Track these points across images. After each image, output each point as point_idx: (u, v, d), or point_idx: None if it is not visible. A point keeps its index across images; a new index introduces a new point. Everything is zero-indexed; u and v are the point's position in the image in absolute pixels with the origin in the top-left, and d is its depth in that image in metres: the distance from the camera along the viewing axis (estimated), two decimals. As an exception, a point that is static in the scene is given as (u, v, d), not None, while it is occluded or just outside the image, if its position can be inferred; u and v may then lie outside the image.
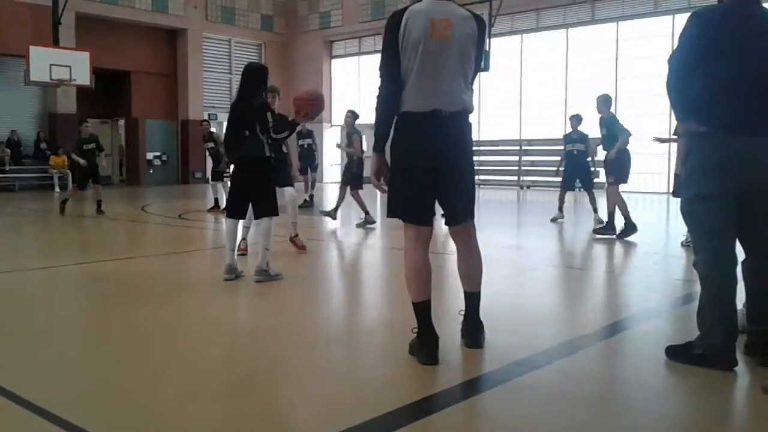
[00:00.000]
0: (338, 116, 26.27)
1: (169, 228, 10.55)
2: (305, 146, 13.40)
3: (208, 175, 14.42)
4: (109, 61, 21.44)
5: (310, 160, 13.51)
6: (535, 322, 4.30)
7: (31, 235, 10.11)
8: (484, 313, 3.65)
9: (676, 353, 3.40)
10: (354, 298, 5.50)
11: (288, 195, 7.39)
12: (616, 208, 8.61)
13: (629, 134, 8.71)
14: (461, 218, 3.49)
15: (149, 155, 23.93)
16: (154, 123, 23.99)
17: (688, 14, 3.36)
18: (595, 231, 8.93)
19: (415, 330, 3.41)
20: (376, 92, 3.37)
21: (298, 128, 8.90)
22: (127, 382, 3.15)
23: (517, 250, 8.06)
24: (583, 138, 10.53)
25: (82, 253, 8.00)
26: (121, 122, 24.32)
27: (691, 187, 3.34)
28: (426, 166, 3.30)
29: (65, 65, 17.80)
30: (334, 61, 26.79)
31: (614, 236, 8.55)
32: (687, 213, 3.40)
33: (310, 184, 13.72)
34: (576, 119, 10.68)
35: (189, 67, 24.35)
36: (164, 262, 7.00)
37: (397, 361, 3.42)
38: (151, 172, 23.86)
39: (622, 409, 2.85)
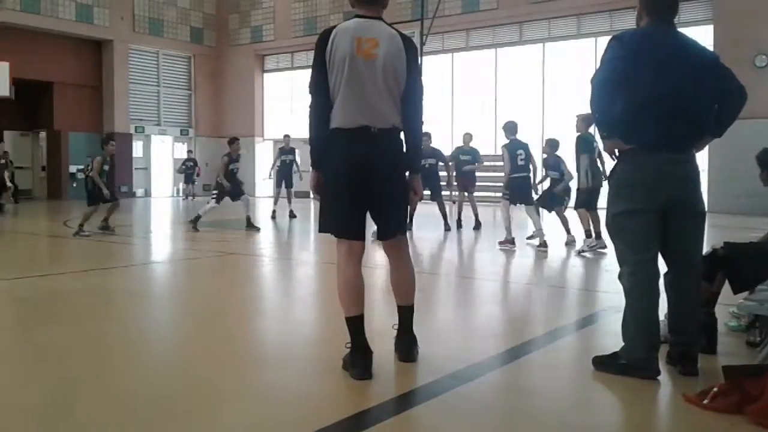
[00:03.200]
0: (270, 131, 26.08)
1: (92, 243, 10.20)
2: (287, 162, 14.54)
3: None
4: (30, 72, 20.65)
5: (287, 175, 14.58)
6: (467, 335, 4.36)
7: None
8: (417, 326, 3.66)
9: (602, 363, 3.49)
10: (287, 313, 5.43)
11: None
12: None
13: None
14: (392, 233, 3.51)
15: (72, 168, 23.06)
16: (78, 135, 23.14)
17: (610, 36, 3.50)
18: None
19: (349, 345, 3.39)
20: (308, 110, 3.40)
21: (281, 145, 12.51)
22: (50, 400, 3.01)
23: (448, 263, 8.15)
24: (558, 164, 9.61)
25: (4, 268, 7.62)
26: (43, 134, 23.39)
27: (617, 203, 3.46)
28: (355, 182, 3.32)
29: (-17, 75, 17.08)
30: (266, 75, 26.60)
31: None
32: (612, 228, 3.51)
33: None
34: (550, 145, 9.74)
35: (115, 79, 23.67)
36: (86, 278, 6.75)
37: (331, 377, 3.39)
38: (74, 185, 23.00)
39: (553, 420, 2.89)
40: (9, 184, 20.16)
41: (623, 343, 3.44)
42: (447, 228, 11.46)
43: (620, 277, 3.49)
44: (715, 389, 2.95)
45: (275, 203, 15.01)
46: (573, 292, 6.29)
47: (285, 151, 14.58)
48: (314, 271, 7.82)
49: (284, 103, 25.68)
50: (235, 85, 26.34)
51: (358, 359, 3.33)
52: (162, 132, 25.60)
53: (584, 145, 8.55)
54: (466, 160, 11.92)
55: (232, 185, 11.87)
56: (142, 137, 24.95)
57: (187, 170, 23.20)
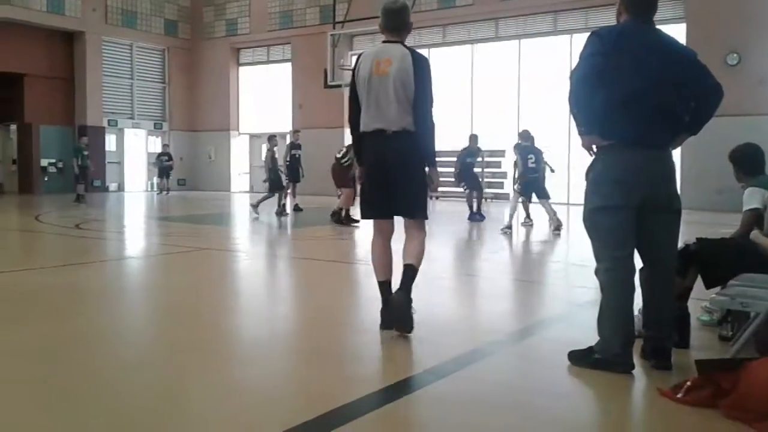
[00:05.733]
0: (245, 125, 25.91)
1: (66, 238, 10.07)
2: (296, 156, 14.88)
3: None
4: (0, 64, 20.25)
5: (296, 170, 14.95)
6: (444, 330, 4.37)
7: None
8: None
9: (577, 358, 3.53)
10: (262, 309, 5.39)
11: None
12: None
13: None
14: (407, 214, 4.21)
15: (44, 162, 22.70)
16: (50, 129, 22.79)
17: (586, 34, 3.53)
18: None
19: None
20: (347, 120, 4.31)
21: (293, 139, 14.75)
22: (24, 405, 2.97)
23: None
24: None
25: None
26: (14, 127, 22.96)
27: (593, 199, 3.49)
28: (377, 175, 4.12)
29: (-51, 66, 16.75)
30: (241, 68, 26.39)
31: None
32: (589, 223, 3.54)
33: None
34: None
35: (87, 72, 23.29)
36: (60, 274, 6.65)
37: (307, 372, 3.39)
38: (45, 180, 22.65)
39: (530, 414, 2.92)
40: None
41: (599, 338, 3.49)
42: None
43: (596, 272, 3.52)
44: (689, 383, 3.00)
45: (284, 198, 14.41)
46: (550, 287, 6.35)
47: (294, 145, 14.95)
48: (288, 266, 7.79)
49: (260, 97, 25.52)
50: (210, 79, 26.09)
51: (384, 314, 4.08)
52: (135, 125, 25.28)
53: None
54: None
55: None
56: (115, 131, 24.62)
57: (162, 164, 22.98)
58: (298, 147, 14.98)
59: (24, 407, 2.90)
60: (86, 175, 18.39)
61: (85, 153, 18.10)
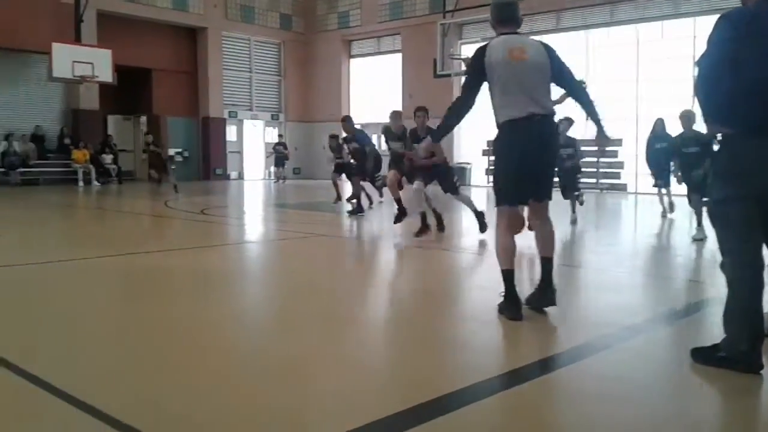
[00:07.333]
0: (356, 115, 26.34)
1: (193, 223, 10.67)
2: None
3: None
4: (130, 59, 21.62)
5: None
6: (561, 322, 4.34)
7: (55, 227, 10.24)
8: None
9: (701, 356, 3.41)
10: (376, 293, 5.54)
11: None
12: None
13: None
14: (547, 196, 4.37)
15: (171, 151, 24.05)
16: (176, 120, 24.15)
17: (709, 16, 3.37)
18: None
19: (502, 293, 4.19)
20: (454, 100, 4.34)
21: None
22: (156, 371, 3.22)
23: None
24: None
25: (105, 246, 7.99)
26: (143, 119, 24.50)
27: (719, 190, 3.35)
28: (533, 157, 4.13)
29: (88, 62, 18.03)
30: (352, 60, 26.85)
31: None
32: (714, 215, 3.41)
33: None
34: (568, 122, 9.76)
35: (209, 65, 24.50)
36: (187, 256, 7.09)
37: (423, 353, 3.47)
38: (172, 168, 23.99)
39: (649, 410, 2.87)
40: (113, 166, 21.38)
41: (724, 335, 3.36)
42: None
43: (722, 266, 3.38)
44: (824, 385, 2.85)
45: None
46: (673, 282, 6.13)
47: (348, 139, 12.90)
48: (399, 253, 7.92)
49: (369, 88, 25.89)
50: (323, 71, 26.72)
51: (510, 304, 4.17)
52: (254, 117, 26.33)
53: None
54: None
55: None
56: (235, 122, 25.76)
57: (278, 154, 23.83)
58: (353, 140, 12.62)
59: (149, 382, 3.15)
60: (163, 165, 18.17)
61: (145, 148, 18.09)
